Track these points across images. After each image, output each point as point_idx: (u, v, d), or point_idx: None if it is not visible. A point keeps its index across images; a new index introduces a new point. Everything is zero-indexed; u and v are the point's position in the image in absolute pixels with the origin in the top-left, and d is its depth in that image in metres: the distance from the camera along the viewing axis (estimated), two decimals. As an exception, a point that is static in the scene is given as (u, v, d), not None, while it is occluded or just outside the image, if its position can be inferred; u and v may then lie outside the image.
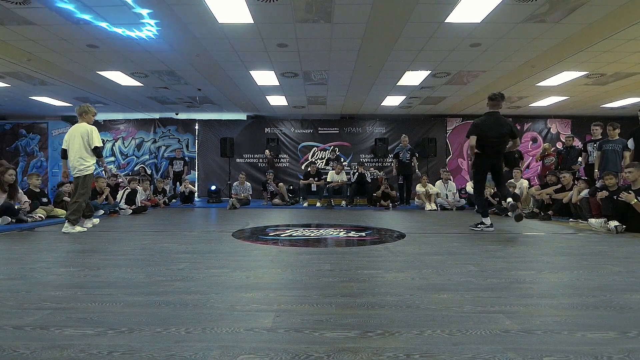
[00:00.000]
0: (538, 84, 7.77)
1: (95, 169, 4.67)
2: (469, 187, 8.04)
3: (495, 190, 7.48)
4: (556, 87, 7.86)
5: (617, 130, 5.72)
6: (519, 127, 11.15)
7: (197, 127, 11.42)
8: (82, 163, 4.36)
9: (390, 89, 8.28)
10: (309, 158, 11.14)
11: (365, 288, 2.04)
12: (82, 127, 4.41)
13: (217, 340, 1.36)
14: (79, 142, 4.36)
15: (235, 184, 9.06)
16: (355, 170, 9.22)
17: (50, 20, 4.83)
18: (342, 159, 10.69)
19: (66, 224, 4.27)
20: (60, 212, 5.86)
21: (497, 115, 4.43)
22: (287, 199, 9.05)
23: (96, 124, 4.75)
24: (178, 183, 9.76)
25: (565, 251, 3.30)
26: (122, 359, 1.22)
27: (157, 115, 11.32)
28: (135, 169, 11.25)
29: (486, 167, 4.56)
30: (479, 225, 4.52)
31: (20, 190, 5.28)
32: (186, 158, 10.63)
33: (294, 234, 4.20)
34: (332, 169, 9.25)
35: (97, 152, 4.41)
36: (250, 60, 6.46)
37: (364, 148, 11.26)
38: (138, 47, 5.77)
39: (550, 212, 5.90)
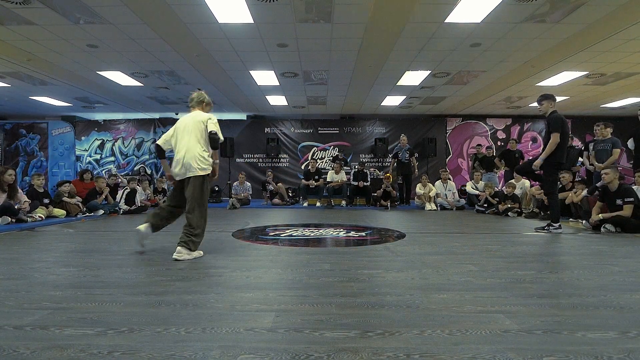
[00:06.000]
0: (538, 84, 7.76)
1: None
2: (469, 187, 8.05)
3: (495, 190, 7.53)
4: (556, 87, 7.86)
5: (609, 129, 5.70)
6: (518, 127, 11.17)
7: (197, 127, 11.41)
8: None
9: (390, 89, 8.28)
10: (309, 158, 11.14)
11: (365, 288, 2.04)
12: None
13: (217, 340, 1.36)
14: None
15: (235, 184, 9.05)
16: (355, 170, 9.23)
17: (50, 20, 4.83)
18: (343, 158, 10.70)
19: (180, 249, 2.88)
20: (59, 212, 5.84)
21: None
22: (287, 198, 9.05)
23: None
24: None
25: (565, 251, 3.30)
26: (122, 359, 1.22)
27: (157, 115, 11.31)
28: (135, 168, 11.26)
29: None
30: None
31: (20, 190, 5.28)
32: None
33: (294, 234, 4.19)
34: (333, 169, 9.26)
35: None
36: (250, 60, 6.46)
37: (364, 148, 11.26)
38: (138, 47, 5.77)
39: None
